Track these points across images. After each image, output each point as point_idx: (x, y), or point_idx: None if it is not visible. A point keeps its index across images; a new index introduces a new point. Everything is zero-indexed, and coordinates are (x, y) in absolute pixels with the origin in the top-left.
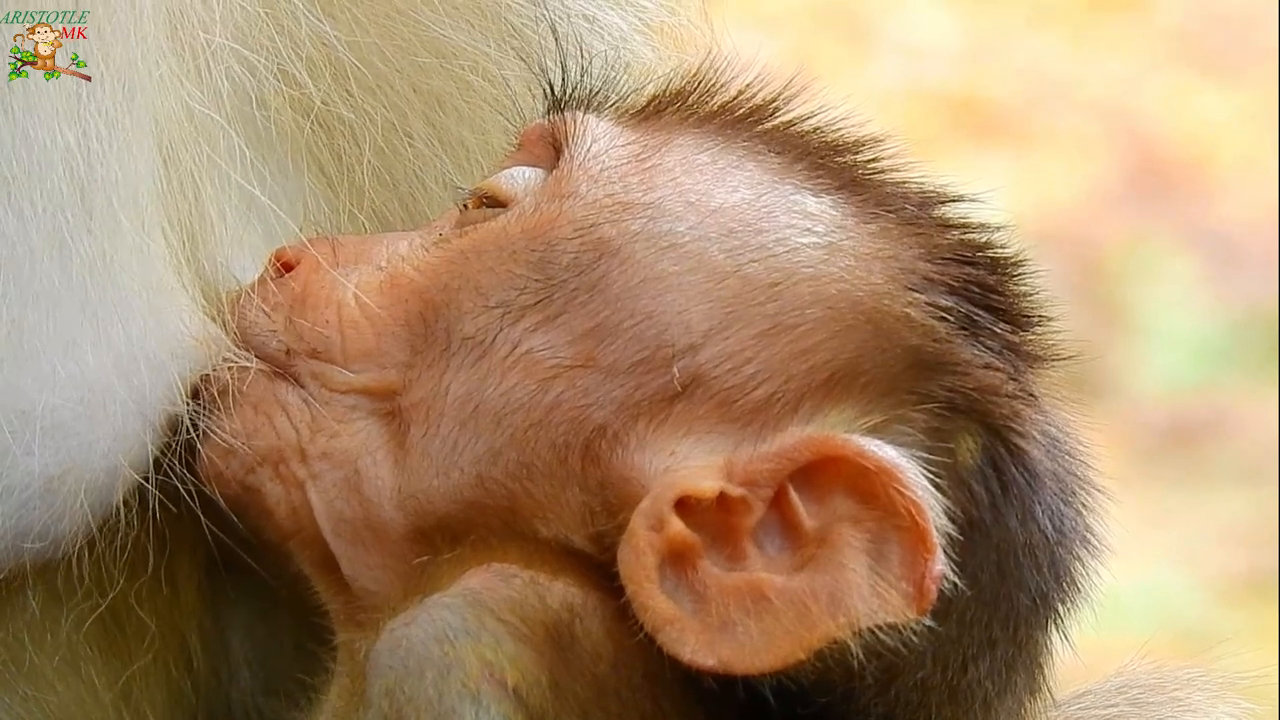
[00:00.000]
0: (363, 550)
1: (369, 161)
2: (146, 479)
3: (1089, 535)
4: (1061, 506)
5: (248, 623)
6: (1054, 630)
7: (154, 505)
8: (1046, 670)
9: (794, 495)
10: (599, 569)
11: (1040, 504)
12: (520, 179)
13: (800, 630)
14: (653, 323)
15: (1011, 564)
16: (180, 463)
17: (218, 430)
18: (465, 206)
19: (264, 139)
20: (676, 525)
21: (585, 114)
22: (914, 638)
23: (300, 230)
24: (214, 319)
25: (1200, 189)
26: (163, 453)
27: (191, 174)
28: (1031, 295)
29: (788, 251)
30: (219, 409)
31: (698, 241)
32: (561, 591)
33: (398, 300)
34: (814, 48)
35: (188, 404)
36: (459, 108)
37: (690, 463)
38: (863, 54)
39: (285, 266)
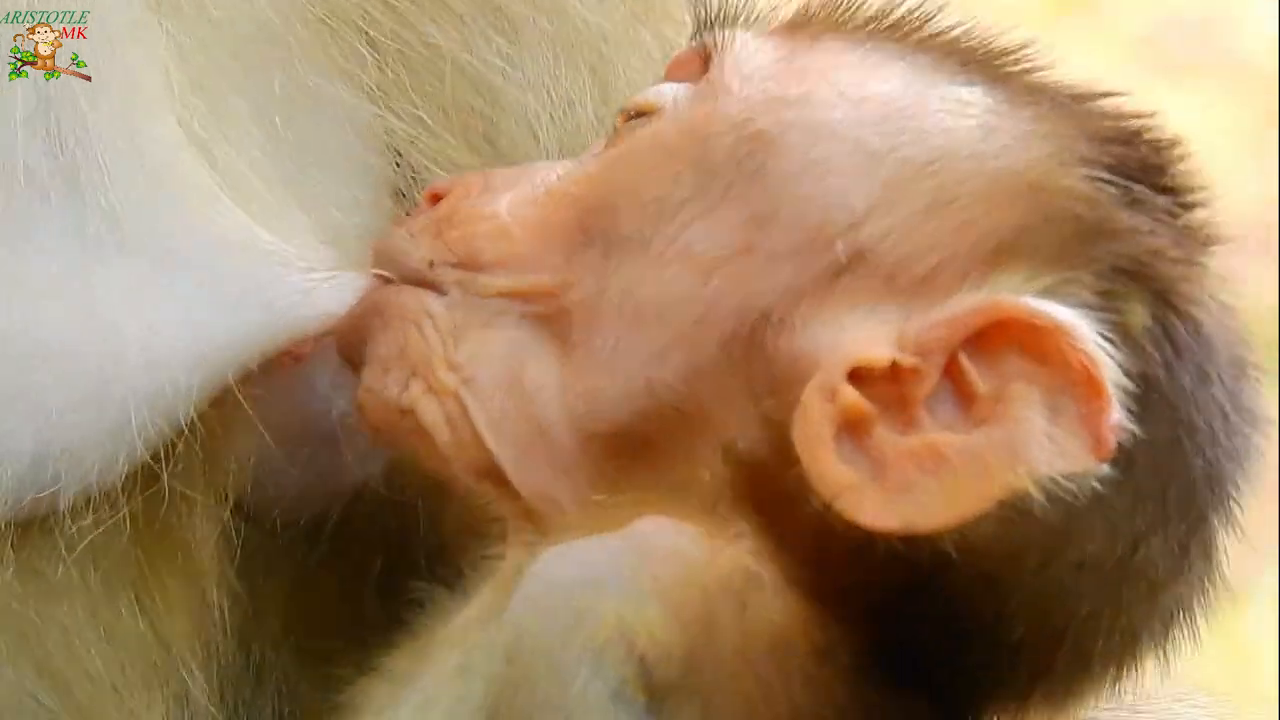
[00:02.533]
0: (529, 457)
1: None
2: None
3: (1262, 415)
4: (1236, 376)
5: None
6: (1227, 516)
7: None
8: (1219, 563)
9: (966, 361)
10: (778, 536)
11: (1214, 368)
12: (669, 91)
13: (980, 483)
14: (812, 206)
15: (1187, 429)
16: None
17: (369, 357)
18: (616, 128)
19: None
20: (850, 394)
21: (731, 30)
22: (1094, 489)
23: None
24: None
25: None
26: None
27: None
28: (1194, 177)
29: (943, 132)
30: (366, 334)
31: (853, 128)
32: (735, 554)
33: (551, 209)
34: None
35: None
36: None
37: (860, 334)
38: None
39: (435, 198)
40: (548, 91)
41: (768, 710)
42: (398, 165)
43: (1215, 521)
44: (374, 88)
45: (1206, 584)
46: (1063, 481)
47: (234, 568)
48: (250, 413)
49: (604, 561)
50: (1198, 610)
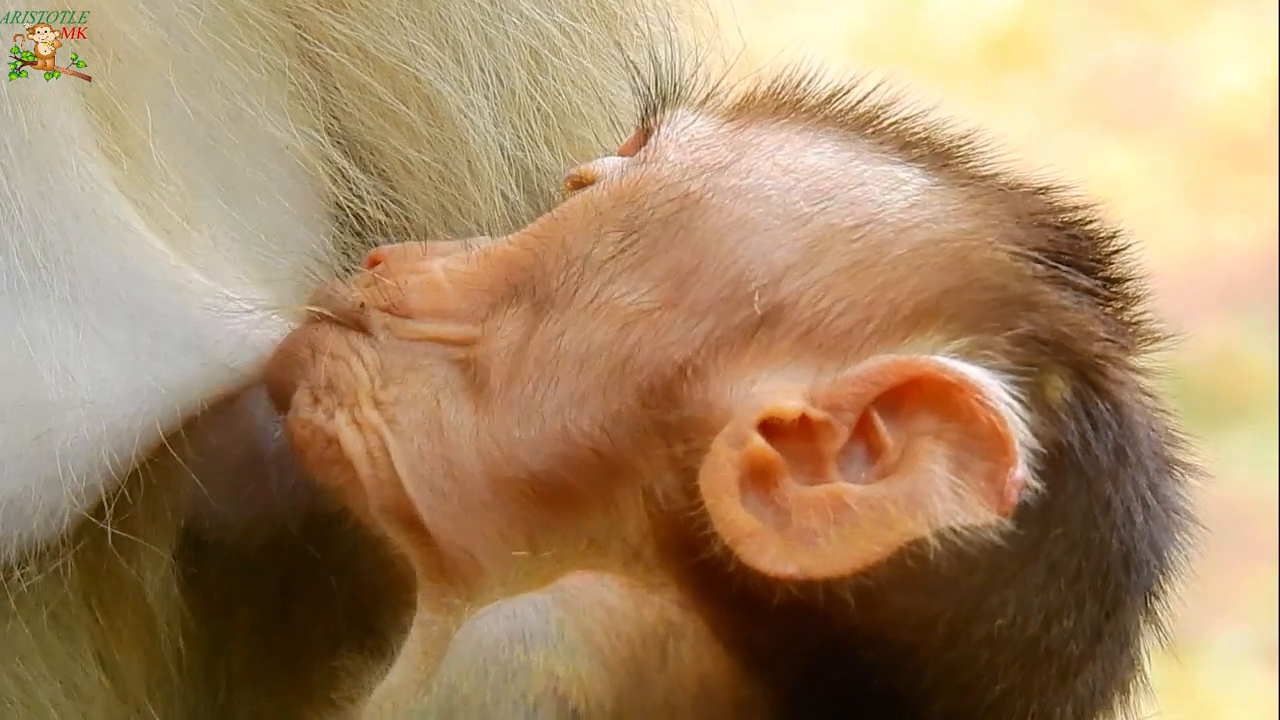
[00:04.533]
0: (443, 500)
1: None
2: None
3: (1184, 506)
4: (1160, 469)
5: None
6: (1145, 608)
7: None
8: (1139, 652)
9: (879, 421)
10: (699, 587)
11: (1135, 452)
12: (612, 162)
13: (879, 530)
14: (734, 261)
15: (1102, 506)
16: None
17: (299, 387)
18: (561, 197)
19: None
20: (758, 441)
21: (674, 109)
22: (1005, 560)
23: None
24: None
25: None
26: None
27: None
28: (1130, 273)
29: (873, 202)
30: (295, 367)
31: (782, 193)
32: (660, 605)
33: (485, 266)
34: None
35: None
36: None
37: (773, 387)
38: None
39: (374, 262)
40: (505, 127)
41: None
42: (338, 204)
43: (1132, 609)
44: (316, 119)
45: (1123, 677)
46: (963, 534)
47: (188, 609)
48: (187, 461)
49: (532, 617)
50: (1114, 703)
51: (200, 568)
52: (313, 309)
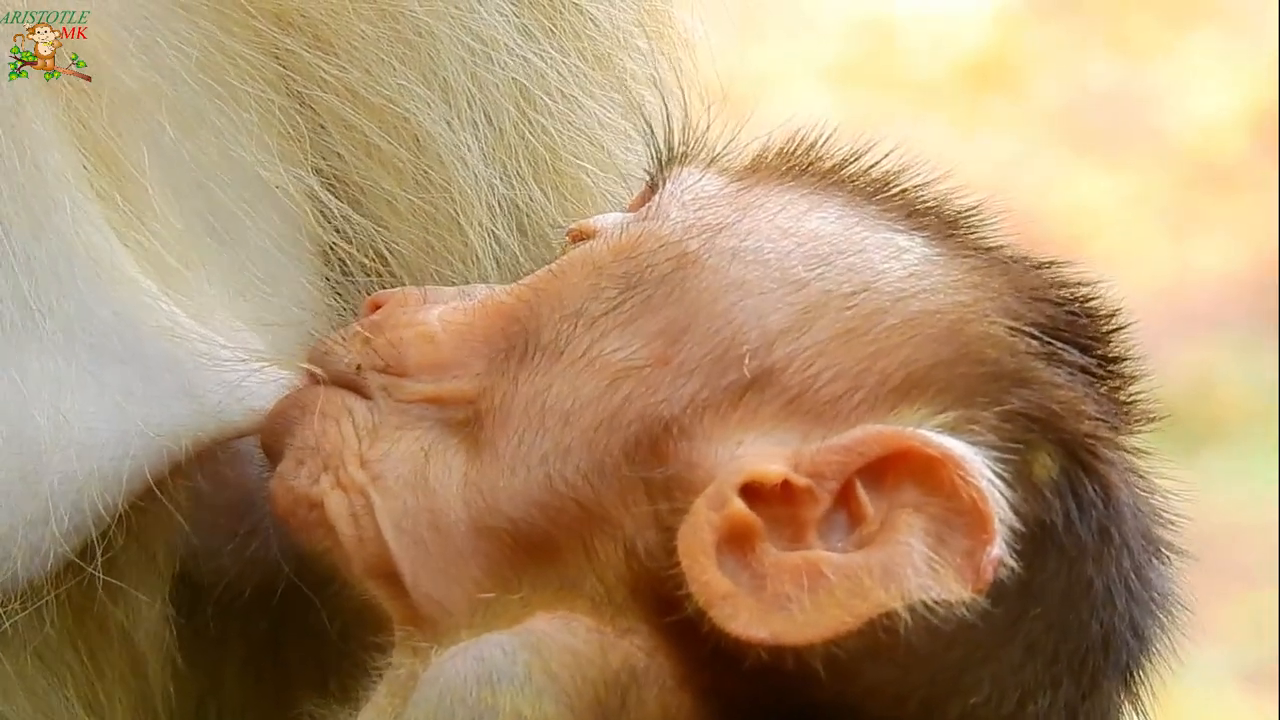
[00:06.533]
0: (424, 553)
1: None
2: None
3: (1168, 589)
4: (1146, 550)
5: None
6: (1125, 690)
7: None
8: None
9: (861, 491)
10: (672, 640)
11: (1120, 533)
12: (614, 217)
13: (852, 600)
14: (728, 323)
15: (1083, 586)
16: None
17: (287, 448)
18: (563, 250)
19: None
20: (738, 505)
21: (681, 167)
22: (984, 637)
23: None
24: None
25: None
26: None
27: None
28: (1127, 353)
29: (872, 270)
30: (288, 426)
31: (780, 256)
32: (626, 651)
33: (482, 318)
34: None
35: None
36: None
37: (757, 451)
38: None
39: (375, 306)
40: (495, 166)
41: None
42: (327, 244)
43: (1109, 691)
44: (305, 160)
45: None
46: (938, 610)
47: (180, 651)
48: (179, 506)
49: (499, 659)
50: None
51: (193, 610)
52: (310, 369)
